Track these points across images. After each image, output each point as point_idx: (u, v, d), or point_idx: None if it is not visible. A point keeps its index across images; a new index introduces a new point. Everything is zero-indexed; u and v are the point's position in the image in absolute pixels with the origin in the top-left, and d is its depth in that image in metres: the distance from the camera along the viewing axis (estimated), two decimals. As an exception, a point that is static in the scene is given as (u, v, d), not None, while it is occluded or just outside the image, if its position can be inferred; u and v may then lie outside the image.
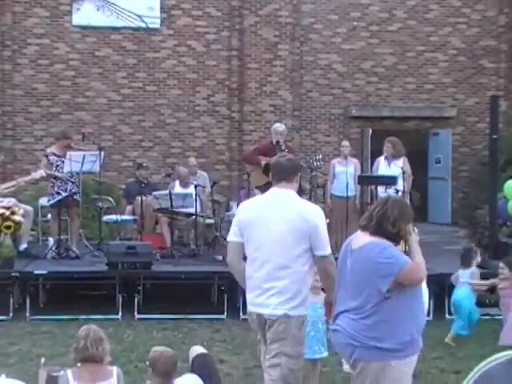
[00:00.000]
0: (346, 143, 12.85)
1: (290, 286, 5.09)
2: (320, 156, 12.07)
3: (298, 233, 5.16)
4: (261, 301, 5.16)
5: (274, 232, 5.20)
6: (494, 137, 11.49)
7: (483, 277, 11.01)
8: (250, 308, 5.31)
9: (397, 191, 11.63)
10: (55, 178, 11.50)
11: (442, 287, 10.60)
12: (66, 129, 13.49)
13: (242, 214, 5.42)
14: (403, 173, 11.68)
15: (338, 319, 4.68)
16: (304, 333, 5.25)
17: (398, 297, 4.46)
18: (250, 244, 5.31)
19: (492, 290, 10.96)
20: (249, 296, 5.30)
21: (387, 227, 4.70)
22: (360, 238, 4.78)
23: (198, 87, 17.36)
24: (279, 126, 11.95)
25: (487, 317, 9.86)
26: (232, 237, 5.49)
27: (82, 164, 11.31)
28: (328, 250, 5.27)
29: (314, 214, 5.29)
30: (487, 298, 10.89)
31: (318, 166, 11.74)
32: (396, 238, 4.73)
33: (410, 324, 4.37)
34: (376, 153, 13.72)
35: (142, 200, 11.66)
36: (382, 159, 12.31)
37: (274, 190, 5.45)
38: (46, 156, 11.75)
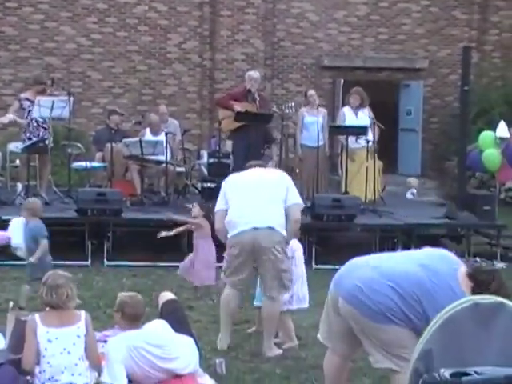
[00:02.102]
0: (312, 92, 12.78)
1: None
2: (293, 103, 12.04)
3: None
4: None
5: None
6: (465, 88, 11.52)
7: (451, 228, 11.17)
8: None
9: (367, 141, 11.66)
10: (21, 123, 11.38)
11: (409, 237, 10.70)
12: (39, 74, 13.22)
13: None
14: (374, 123, 11.69)
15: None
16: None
17: None
18: None
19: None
20: None
21: None
22: None
23: (170, 34, 17.14)
24: (254, 73, 11.90)
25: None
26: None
27: (52, 109, 11.16)
28: None
29: None
30: (454, 249, 11.04)
31: (291, 113, 11.71)
32: None
33: None
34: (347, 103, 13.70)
35: (111, 147, 11.57)
36: (346, 109, 12.31)
37: None
38: (19, 100, 11.58)
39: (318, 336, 5.01)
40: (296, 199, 6.44)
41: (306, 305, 6.66)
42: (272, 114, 11.89)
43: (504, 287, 4.00)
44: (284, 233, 6.28)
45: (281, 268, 6.26)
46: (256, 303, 6.74)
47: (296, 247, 6.64)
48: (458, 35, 18.17)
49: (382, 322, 4.25)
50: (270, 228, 6.23)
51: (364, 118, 11.91)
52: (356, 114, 12.10)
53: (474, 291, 3.69)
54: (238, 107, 11.16)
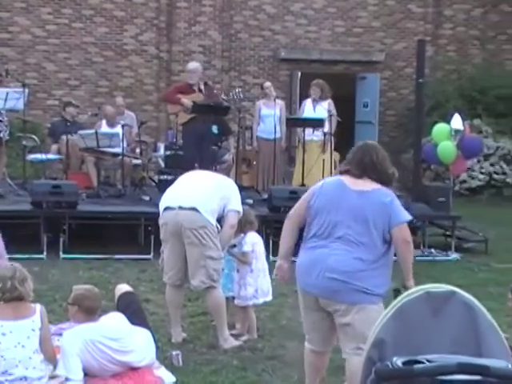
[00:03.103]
0: (268, 84, 12.79)
1: None
2: (239, 89, 12.04)
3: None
4: None
5: None
6: (420, 81, 11.63)
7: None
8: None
9: (324, 134, 11.72)
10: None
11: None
12: (-7, 64, 13.05)
13: None
14: (330, 115, 11.74)
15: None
16: None
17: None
18: None
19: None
20: None
21: (387, 176, 4.92)
22: (361, 183, 4.82)
23: (126, 25, 17.05)
24: (190, 65, 11.84)
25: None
26: None
27: (5, 101, 11.01)
28: None
29: None
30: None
31: (240, 98, 11.68)
32: (392, 180, 4.99)
33: None
34: (305, 96, 13.75)
35: (67, 139, 11.47)
36: (308, 101, 12.34)
37: None
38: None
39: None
40: (237, 206, 6.37)
41: (270, 297, 6.69)
42: (229, 106, 11.87)
43: None
44: (212, 221, 6.22)
45: (206, 254, 6.15)
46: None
47: (256, 240, 6.65)
48: (413, 29, 18.36)
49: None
50: (194, 209, 6.13)
51: (323, 110, 11.94)
52: (314, 107, 12.14)
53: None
54: (185, 100, 11.11)
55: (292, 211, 5.00)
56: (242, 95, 11.82)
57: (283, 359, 5.97)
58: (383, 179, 4.89)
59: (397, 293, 4.64)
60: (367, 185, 4.82)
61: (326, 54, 18.00)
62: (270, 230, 9.83)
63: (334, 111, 12.01)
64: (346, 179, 4.86)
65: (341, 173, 4.99)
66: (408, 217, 4.81)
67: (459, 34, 18.71)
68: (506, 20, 18.86)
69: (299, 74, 17.47)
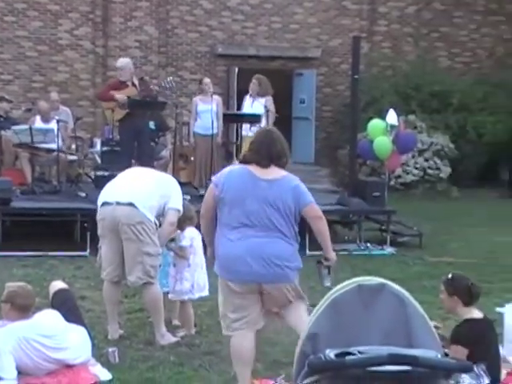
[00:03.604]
0: (207, 80, 12.75)
1: None
2: (171, 78, 11.99)
3: None
4: None
5: None
6: (356, 77, 11.75)
7: (343, 214, 11.41)
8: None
9: (261, 129, 11.76)
10: None
11: (304, 222, 10.84)
12: None
13: None
14: (267, 111, 11.77)
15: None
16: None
17: None
18: None
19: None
20: None
21: (286, 160, 5.11)
22: (269, 172, 4.98)
23: (61, 20, 16.82)
24: (119, 62, 11.67)
25: (345, 252, 10.18)
26: None
27: None
28: None
29: None
30: (346, 235, 11.29)
31: (172, 86, 11.62)
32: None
33: None
34: (242, 91, 13.78)
35: (0, 135, 11.27)
36: (247, 97, 12.37)
37: None
38: None
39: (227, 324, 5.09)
40: (177, 205, 6.34)
41: (206, 293, 6.68)
42: (165, 102, 11.81)
43: None
44: (151, 217, 6.19)
45: (143, 250, 6.13)
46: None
47: (194, 235, 6.63)
48: (348, 25, 18.55)
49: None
50: (132, 205, 6.10)
51: (259, 106, 11.96)
52: (252, 102, 12.16)
53: None
54: (119, 95, 10.99)
55: (203, 209, 5.14)
56: (173, 84, 11.73)
57: (220, 354, 5.97)
58: (284, 165, 5.11)
59: (320, 264, 5.22)
60: (275, 173, 5.00)
61: (262, 50, 18.06)
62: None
63: (271, 107, 12.05)
64: (254, 169, 4.99)
65: (245, 162, 5.09)
66: (312, 197, 5.10)
67: (393, 31, 18.98)
68: (439, 18, 19.20)
69: (236, 69, 17.50)
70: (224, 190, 4.94)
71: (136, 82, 11.25)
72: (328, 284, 5.11)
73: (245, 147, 11.85)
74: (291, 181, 5.02)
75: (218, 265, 5.03)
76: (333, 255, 5.16)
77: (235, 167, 5.26)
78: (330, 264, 5.19)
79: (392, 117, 11.53)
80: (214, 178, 5.13)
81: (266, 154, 4.98)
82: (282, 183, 4.96)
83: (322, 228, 5.08)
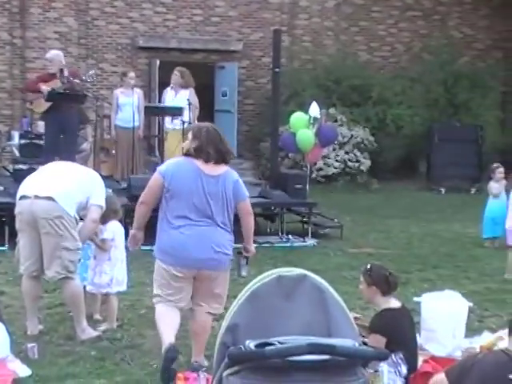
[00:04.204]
0: (132, 75, 12.67)
1: None
2: (93, 71, 11.87)
3: None
4: None
5: None
6: (277, 70, 11.83)
7: (265, 206, 11.48)
8: None
9: (183, 122, 11.71)
10: None
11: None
12: None
13: None
14: (189, 104, 11.75)
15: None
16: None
17: None
18: None
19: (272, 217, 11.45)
20: None
21: (231, 156, 5.52)
22: (214, 167, 5.34)
23: (-24, 10, 16.42)
24: (47, 54, 11.52)
25: (267, 244, 10.25)
26: None
27: None
28: None
29: None
30: (268, 227, 11.37)
31: (91, 81, 11.49)
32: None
33: None
34: (164, 84, 13.71)
35: None
36: (168, 89, 12.31)
37: None
38: None
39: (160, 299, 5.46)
40: (99, 201, 6.27)
41: (124, 287, 6.64)
42: (85, 95, 11.66)
43: None
44: (70, 211, 6.09)
45: (62, 245, 6.05)
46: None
47: (117, 229, 6.58)
48: (269, 19, 18.63)
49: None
50: (50, 198, 6.01)
51: (183, 99, 11.91)
52: (175, 95, 12.10)
53: None
54: (44, 87, 10.82)
55: (146, 196, 5.40)
56: (94, 78, 11.60)
57: (142, 348, 5.97)
58: (227, 160, 5.46)
59: (240, 254, 5.64)
60: (219, 168, 5.38)
61: (184, 42, 17.99)
62: (130, 220, 9.72)
63: (194, 100, 12.03)
64: (200, 164, 5.32)
65: (189, 155, 5.38)
66: (247, 193, 5.57)
67: (314, 25, 19.15)
68: (358, 12, 19.47)
69: (158, 62, 17.39)
70: (172, 182, 5.27)
71: (66, 74, 11.04)
72: (244, 274, 5.60)
73: (170, 141, 11.84)
74: (232, 175, 5.43)
75: (160, 250, 5.39)
76: (253, 248, 5.63)
77: (182, 160, 5.46)
78: (248, 255, 5.64)
79: (314, 110, 11.65)
80: (160, 167, 5.41)
81: (213, 151, 5.33)
82: (225, 178, 5.37)
83: (250, 223, 5.55)
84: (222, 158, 5.38)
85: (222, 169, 5.39)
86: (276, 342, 2.91)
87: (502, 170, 10.65)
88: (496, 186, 10.58)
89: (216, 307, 5.50)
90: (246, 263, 5.63)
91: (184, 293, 5.41)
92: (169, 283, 5.36)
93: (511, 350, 3.76)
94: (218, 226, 5.34)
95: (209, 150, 5.31)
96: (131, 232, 5.60)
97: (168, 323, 5.42)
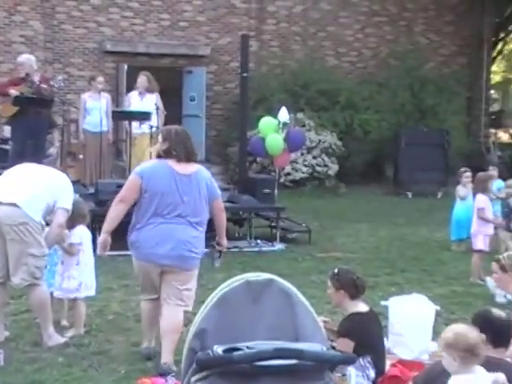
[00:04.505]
0: (101, 79, 12.62)
1: None
2: (61, 77, 11.79)
3: None
4: None
5: None
6: (245, 75, 11.85)
7: (233, 211, 11.47)
8: None
9: (151, 127, 11.68)
10: None
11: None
12: None
13: None
14: (157, 108, 11.73)
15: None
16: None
17: None
18: None
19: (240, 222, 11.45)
20: None
21: (196, 156, 5.75)
22: (186, 166, 5.59)
23: None
24: (19, 57, 11.45)
25: (236, 249, 10.24)
26: None
27: None
28: None
29: None
30: (236, 232, 11.36)
31: (60, 86, 11.42)
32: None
33: None
34: (132, 89, 13.65)
35: None
36: (134, 94, 12.27)
37: None
38: None
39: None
40: (66, 205, 6.18)
41: (93, 292, 6.60)
42: (52, 99, 11.57)
43: None
44: (36, 217, 6.02)
45: (27, 252, 5.98)
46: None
47: (83, 234, 6.54)
48: (237, 24, 18.66)
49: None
50: (14, 205, 5.94)
51: (149, 103, 11.89)
52: (141, 99, 12.07)
53: None
54: (12, 91, 10.72)
55: (124, 195, 5.62)
56: (62, 83, 11.53)
57: (110, 354, 5.93)
58: (195, 159, 5.73)
59: (213, 248, 6.00)
60: (190, 167, 5.62)
61: (152, 47, 17.95)
62: (97, 225, 9.68)
63: (161, 105, 12.01)
64: (173, 164, 5.56)
65: (161, 156, 5.64)
66: (219, 191, 5.89)
67: (282, 30, 19.21)
68: (326, 17, 19.55)
69: (125, 66, 17.32)
70: (149, 182, 5.51)
71: (36, 78, 10.94)
72: (217, 265, 6.05)
73: (138, 145, 11.80)
74: (204, 174, 5.71)
75: (136, 247, 5.62)
76: (225, 242, 5.97)
77: (156, 161, 5.72)
78: (221, 249, 5.99)
79: (284, 114, 11.67)
80: (137, 169, 5.67)
81: (183, 150, 5.58)
82: (198, 176, 5.62)
83: (223, 220, 5.87)
84: (191, 156, 5.63)
85: (194, 167, 5.63)
86: (244, 347, 2.92)
87: (469, 174, 10.77)
88: (463, 189, 10.70)
89: (183, 304, 5.61)
90: (219, 256, 6.04)
91: (153, 284, 5.66)
92: (149, 278, 5.66)
93: (497, 358, 3.80)
94: (191, 225, 5.55)
95: (179, 150, 5.55)
96: (102, 236, 5.71)
97: (147, 324, 5.83)
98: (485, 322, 4.08)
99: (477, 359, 3.67)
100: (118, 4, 17.65)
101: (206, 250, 5.82)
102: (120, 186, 10.22)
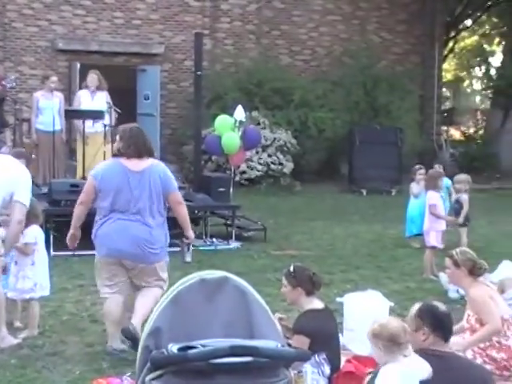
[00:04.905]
0: (55, 78, 12.49)
1: None
2: (13, 77, 11.66)
3: None
4: None
5: None
6: (198, 73, 11.83)
7: (188, 210, 11.42)
8: None
9: (104, 126, 11.60)
10: None
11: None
12: None
13: None
14: (110, 107, 11.64)
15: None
16: None
17: None
18: None
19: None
20: None
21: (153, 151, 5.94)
22: (139, 163, 5.74)
23: None
24: None
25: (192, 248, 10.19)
26: None
27: None
28: None
29: None
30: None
31: (12, 86, 11.29)
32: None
33: None
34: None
35: None
36: (84, 92, 12.15)
37: None
38: None
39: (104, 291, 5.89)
40: (23, 199, 5.92)
41: (47, 292, 6.52)
42: (4, 98, 11.44)
43: None
44: None
45: None
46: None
47: (37, 234, 6.47)
48: (191, 22, 18.61)
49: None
50: None
51: (101, 101, 11.80)
52: (92, 97, 11.98)
53: None
54: None
55: (82, 197, 5.87)
56: (14, 83, 11.40)
57: (64, 355, 5.87)
58: (151, 154, 5.88)
59: (181, 241, 6.22)
60: (143, 163, 5.75)
61: (105, 45, 17.81)
62: (51, 225, 9.59)
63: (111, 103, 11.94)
64: (125, 162, 5.73)
65: (116, 155, 5.87)
66: (177, 185, 6.02)
67: (236, 28, 19.21)
68: (279, 16, 19.60)
69: (78, 65, 17.16)
70: (101, 183, 5.72)
71: None
72: (188, 259, 6.24)
73: (90, 144, 11.69)
74: (158, 168, 5.82)
75: (96, 242, 5.85)
76: (191, 234, 6.11)
77: (110, 161, 5.97)
78: (189, 242, 6.18)
79: (240, 113, 11.66)
80: (92, 171, 5.90)
81: (133, 148, 5.71)
82: (150, 171, 5.74)
83: (183, 212, 5.93)
84: (143, 153, 5.74)
85: (147, 163, 5.76)
86: (199, 345, 2.91)
87: (422, 171, 10.90)
88: (417, 186, 10.82)
89: (160, 288, 5.80)
90: (188, 249, 6.24)
91: (119, 279, 5.81)
92: (107, 270, 5.82)
93: (431, 349, 3.86)
94: (146, 221, 5.72)
95: (131, 146, 5.70)
96: (70, 232, 5.98)
97: (111, 321, 5.85)
98: (428, 316, 4.14)
99: (399, 348, 3.85)
100: (70, 2, 17.49)
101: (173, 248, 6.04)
102: (73, 186, 10.30)
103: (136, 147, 5.72)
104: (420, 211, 9.97)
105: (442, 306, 4.26)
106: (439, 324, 4.11)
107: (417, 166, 11.32)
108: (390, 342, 3.86)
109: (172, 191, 5.85)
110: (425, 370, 3.87)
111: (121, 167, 5.72)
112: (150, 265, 5.79)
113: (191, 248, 6.31)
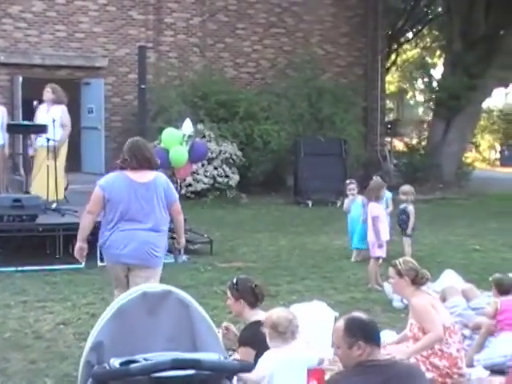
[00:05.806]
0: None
1: None
2: None
3: None
4: None
5: None
6: (143, 86, 11.82)
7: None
8: None
9: (48, 140, 11.45)
10: None
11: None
12: None
13: None
14: (53, 121, 11.49)
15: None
16: None
17: None
18: None
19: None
20: None
21: (156, 162, 6.21)
22: (143, 175, 6.05)
23: None
24: None
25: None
26: None
27: None
28: None
29: None
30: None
31: None
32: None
33: None
34: (27, 101, 13.39)
35: None
36: (43, 106, 11.97)
37: None
38: None
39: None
40: None
41: None
42: None
43: None
44: None
45: None
46: None
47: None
48: (135, 35, 18.55)
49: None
50: None
51: (56, 115, 11.58)
52: (47, 111, 11.82)
53: None
54: None
55: (90, 206, 6.12)
56: None
57: (6, 372, 5.78)
58: (154, 166, 6.19)
59: (173, 247, 7.12)
60: (148, 175, 6.09)
61: (48, 58, 17.63)
62: (-7, 240, 9.45)
63: (65, 117, 11.76)
64: (130, 174, 6.05)
65: (121, 168, 6.12)
66: (177, 196, 6.34)
67: (180, 41, 19.20)
68: (223, 29, 19.66)
69: (20, 78, 16.96)
70: (111, 193, 6.00)
71: None
72: (180, 261, 7.35)
73: (37, 158, 11.53)
74: (162, 179, 6.16)
75: (106, 249, 6.13)
76: (183, 240, 6.66)
77: (117, 173, 6.17)
78: (179, 247, 7.04)
79: (188, 127, 11.63)
80: (100, 182, 6.12)
81: (134, 160, 6.01)
82: (155, 183, 6.07)
83: (181, 221, 6.41)
84: (144, 164, 6.05)
85: (151, 175, 6.10)
86: (141, 359, 2.90)
87: (352, 186, 10.96)
88: (347, 201, 10.93)
89: None
90: (179, 253, 7.49)
91: (122, 281, 6.13)
92: (117, 276, 6.15)
93: (369, 360, 3.87)
94: (151, 229, 6.04)
95: (133, 160, 6.01)
96: (77, 244, 6.15)
97: None
98: (358, 329, 4.09)
99: (280, 337, 4.33)
100: (11, 15, 17.29)
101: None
102: (16, 201, 10.15)
103: (136, 159, 6.02)
104: (356, 226, 10.05)
105: (362, 315, 4.27)
106: (371, 333, 4.09)
107: (347, 181, 11.35)
108: (271, 330, 4.35)
109: (174, 201, 6.20)
110: (312, 358, 4.54)
111: (126, 179, 6.03)
112: (153, 268, 6.12)
113: (182, 251, 7.11)
